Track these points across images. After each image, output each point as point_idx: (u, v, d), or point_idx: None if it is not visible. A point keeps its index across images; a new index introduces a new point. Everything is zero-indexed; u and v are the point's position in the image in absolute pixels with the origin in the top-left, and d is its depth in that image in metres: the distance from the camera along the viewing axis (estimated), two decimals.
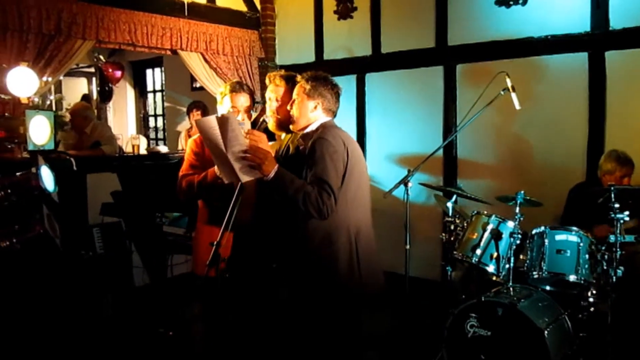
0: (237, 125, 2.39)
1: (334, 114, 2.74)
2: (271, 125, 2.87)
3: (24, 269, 3.68)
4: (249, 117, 3.09)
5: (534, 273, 3.42)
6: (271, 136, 2.94)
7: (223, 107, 3.06)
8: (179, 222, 4.04)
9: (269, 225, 2.80)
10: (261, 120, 2.81)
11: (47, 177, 3.46)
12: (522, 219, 3.52)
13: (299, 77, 2.71)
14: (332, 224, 2.52)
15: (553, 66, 4.43)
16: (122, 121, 8.99)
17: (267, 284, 3.01)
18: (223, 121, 2.37)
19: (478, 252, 3.56)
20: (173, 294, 4.17)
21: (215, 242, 2.45)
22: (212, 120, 2.38)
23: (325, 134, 2.55)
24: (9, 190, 3.56)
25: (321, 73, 2.71)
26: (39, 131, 3.51)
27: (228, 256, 2.89)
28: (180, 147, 6.33)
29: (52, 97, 6.85)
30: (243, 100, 3.01)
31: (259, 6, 6.14)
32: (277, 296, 2.90)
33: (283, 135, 2.92)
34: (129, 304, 4.46)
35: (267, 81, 2.91)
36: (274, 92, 2.85)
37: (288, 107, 2.70)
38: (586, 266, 3.32)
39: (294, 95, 2.69)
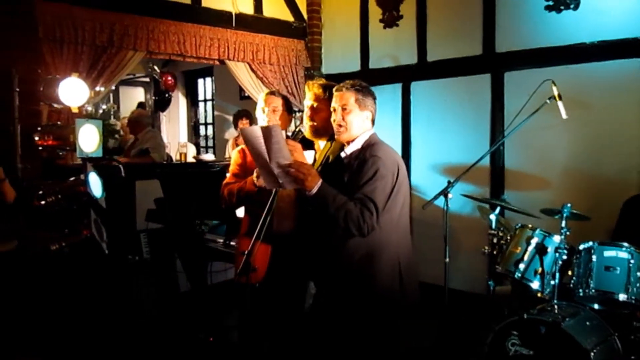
0: (281, 138, 2.38)
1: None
2: (307, 132, 2.88)
3: (73, 272, 3.84)
4: (283, 122, 3.13)
5: (581, 290, 3.25)
6: (308, 145, 2.93)
7: (259, 110, 3.14)
8: (218, 230, 4.10)
9: (309, 237, 2.77)
10: (297, 129, 2.81)
11: (94, 184, 3.59)
12: (568, 233, 3.35)
13: (341, 86, 2.64)
14: (376, 242, 2.49)
15: (606, 72, 4.22)
16: (175, 129, 9.25)
17: (303, 296, 3.00)
18: (267, 132, 2.36)
19: (521, 267, 3.43)
20: (214, 300, 4.23)
21: (246, 251, 2.47)
22: (256, 130, 2.39)
23: (378, 151, 2.52)
24: (60, 196, 3.73)
25: (363, 82, 2.66)
26: (88, 139, 3.65)
27: (266, 266, 2.94)
28: (227, 155, 6.44)
29: (104, 106, 7.13)
30: (275, 102, 3.11)
31: (305, 16, 6.18)
32: (315, 308, 2.87)
33: (322, 144, 2.91)
34: (173, 308, 4.56)
35: (306, 89, 2.92)
36: (311, 99, 2.86)
37: (335, 117, 2.63)
38: (637, 284, 3.13)
39: (341, 104, 2.60)
